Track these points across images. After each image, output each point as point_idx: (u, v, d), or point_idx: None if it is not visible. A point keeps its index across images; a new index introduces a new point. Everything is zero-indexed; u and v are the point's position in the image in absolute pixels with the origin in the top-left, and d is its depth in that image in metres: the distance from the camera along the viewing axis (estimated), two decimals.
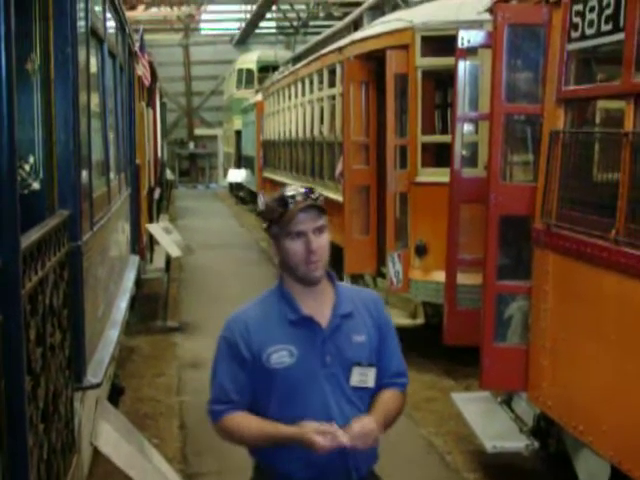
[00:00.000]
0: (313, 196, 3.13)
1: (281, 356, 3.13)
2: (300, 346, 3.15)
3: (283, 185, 15.93)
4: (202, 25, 43.13)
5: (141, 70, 12.08)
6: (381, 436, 3.15)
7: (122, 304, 6.67)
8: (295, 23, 33.04)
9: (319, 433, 2.96)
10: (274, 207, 3.14)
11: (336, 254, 8.89)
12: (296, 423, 3.04)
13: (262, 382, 3.17)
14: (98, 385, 4.52)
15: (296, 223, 3.09)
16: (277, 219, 3.13)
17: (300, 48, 24.00)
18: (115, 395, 7.01)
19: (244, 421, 3.18)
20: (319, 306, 3.22)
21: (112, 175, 6.80)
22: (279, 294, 3.25)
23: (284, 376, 3.13)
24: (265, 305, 3.27)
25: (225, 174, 35.59)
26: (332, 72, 12.03)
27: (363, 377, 3.21)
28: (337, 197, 10.91)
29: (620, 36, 4.53)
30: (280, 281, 3.28)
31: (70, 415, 4.02)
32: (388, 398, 3.30)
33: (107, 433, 4.53)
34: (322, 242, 3.13)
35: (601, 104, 6.17)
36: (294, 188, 3.18)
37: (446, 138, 8.66)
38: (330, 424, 3.01)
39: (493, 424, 6.04)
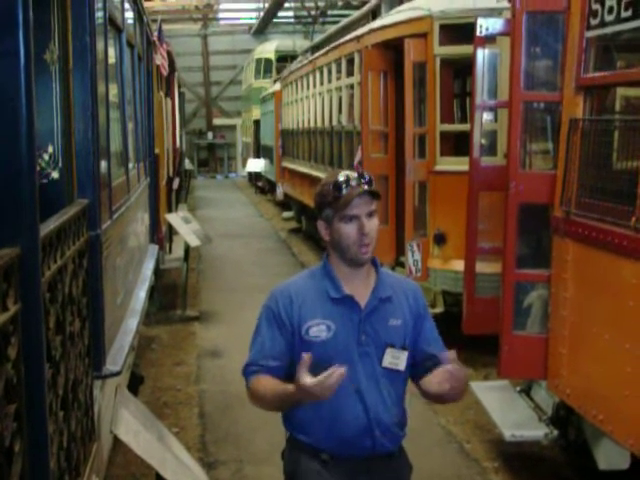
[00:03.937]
0: (367, 181, 3.22)
1: (319, 330, 3.27)
2: (338, 323, 3.28)
3: (302, 175, 15.92)
4: (220, 15, 43.10)
5: (159, 60, 12.08)
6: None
7: (141, 293, 6.69)
8: (313, 12, 32.95)
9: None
10: (328, 191, 3.24)
11: None
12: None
13: (299, 353, 3.25)
14: (118, 373, 4.54)
15: (351, 207, 3.20)
16: (331, 202, 3.23)
17: (318, 37, 23.93)
18: (135, 384, 7.05)
19: (266, 383, 3.27)
20: (360, 287, 3.34)
21: (131, 165, 6.81)
22: (324, 272, 3.38)
23: (320, 349, 3.23)
24: (310, 280, 3.40)
25: (244, 164, 35.59)
26: (350, 61, 12.00)
27: (395, 359, 3.30)
28: None
29: None
30: (326, 260, 3.41)
31: (90, 403, 4.03)
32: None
33: (127, 421, 4.54)
34: (373, 225, 3.24)
35: (621, 91, 6.13)
36: (347, 173, 3.27)
37: (465, 127, 8.63)
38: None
39: (512, 413, 6.03)
